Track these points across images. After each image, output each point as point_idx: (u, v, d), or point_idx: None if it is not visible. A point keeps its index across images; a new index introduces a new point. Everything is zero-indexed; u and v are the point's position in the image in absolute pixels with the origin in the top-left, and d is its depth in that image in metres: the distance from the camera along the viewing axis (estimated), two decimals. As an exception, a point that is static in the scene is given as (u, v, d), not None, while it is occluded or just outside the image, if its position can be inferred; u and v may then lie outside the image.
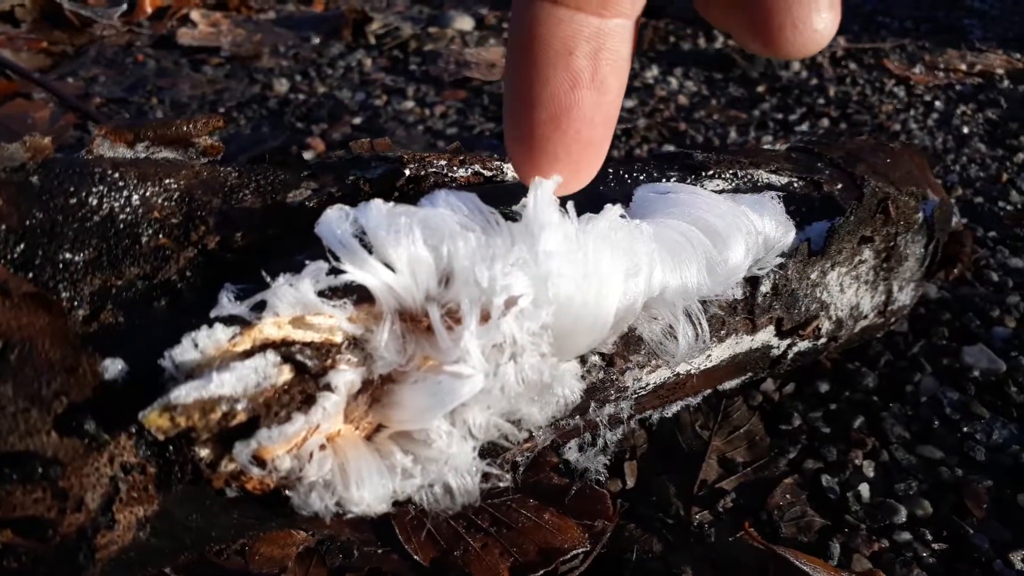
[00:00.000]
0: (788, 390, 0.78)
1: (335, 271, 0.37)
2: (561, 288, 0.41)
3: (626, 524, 0.64)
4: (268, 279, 0.37)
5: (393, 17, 1.83)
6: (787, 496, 0.67)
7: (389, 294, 0.39)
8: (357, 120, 1.39)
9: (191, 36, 1.74)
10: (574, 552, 0.61)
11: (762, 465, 0.70)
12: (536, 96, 0.38)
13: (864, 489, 0.68)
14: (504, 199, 0.51)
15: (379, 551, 0.60)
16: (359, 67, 1.61)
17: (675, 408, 0.63)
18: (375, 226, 0.38)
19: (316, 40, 1.75)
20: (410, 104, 1.45)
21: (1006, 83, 1.45)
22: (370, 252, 0.38)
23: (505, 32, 1.74)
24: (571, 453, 0.57)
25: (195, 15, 1.81)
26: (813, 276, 0.63)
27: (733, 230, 0.51)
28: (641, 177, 0.60)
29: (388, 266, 0.38)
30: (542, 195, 0.41)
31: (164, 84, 1.55)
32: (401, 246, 0.38)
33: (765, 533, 0.64)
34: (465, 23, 1.79)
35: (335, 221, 0.38)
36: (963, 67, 1.51)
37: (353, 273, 0.37)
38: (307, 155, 1.27)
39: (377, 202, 0.39)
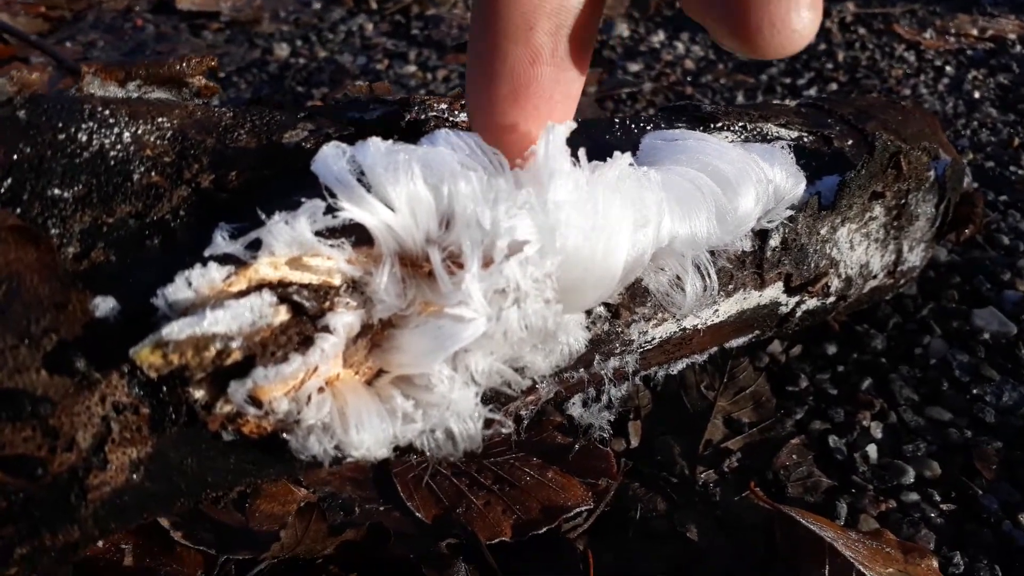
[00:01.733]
0: (795, 352, 0.77)
1: (332, 210, 0.36)
2: (569, 239, 0.40)
3: (630, 483, 0.63)
4: (263, 217, 0.36)
5: (395, -18, 1.80)
6: (794, 456, 0.66)
7: (388, 234, 0.37)
8: (358, 84, 1.37)
9: (190, 1, 1.71)
10: (577, 510, 0.60)
11: (768, 426, 0.69)
12: (496, 70, 0.37)
13: (872, 450, 0.67)
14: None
15: (381, 508, 0.60)
16: (360, 31, 1.59)
17: (681, 365, 0.62)
18: (373, 163, 0.37)
19: (317, 5, 1.72)
20: (412, 68, 1.43)
21: (1018, 48, 1.43)
22: (368, 191, 0.37)
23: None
24: (575, 408, 0.56)
25: (194, -21, 1.78)
26: (823, 231, 0.61)
27: (743, 177, 0.50)
28: (648, 127, 0.59)
29: (387, 205, 0.37)
30: (554, 141, 0.40)
31: (163, 49, 1.52)
32: (400, 184, 0.37)
33: (771, 493, 0.63)
34: (468, -12, 1.76)
35: (332, 158, 0.37)
36: (974, 32, 1.49)
37: (351, 211, 0.36)
38: (308, 119, 1.25)
39: (375, 140, 0.38)
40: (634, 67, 1.38)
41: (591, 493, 0.62)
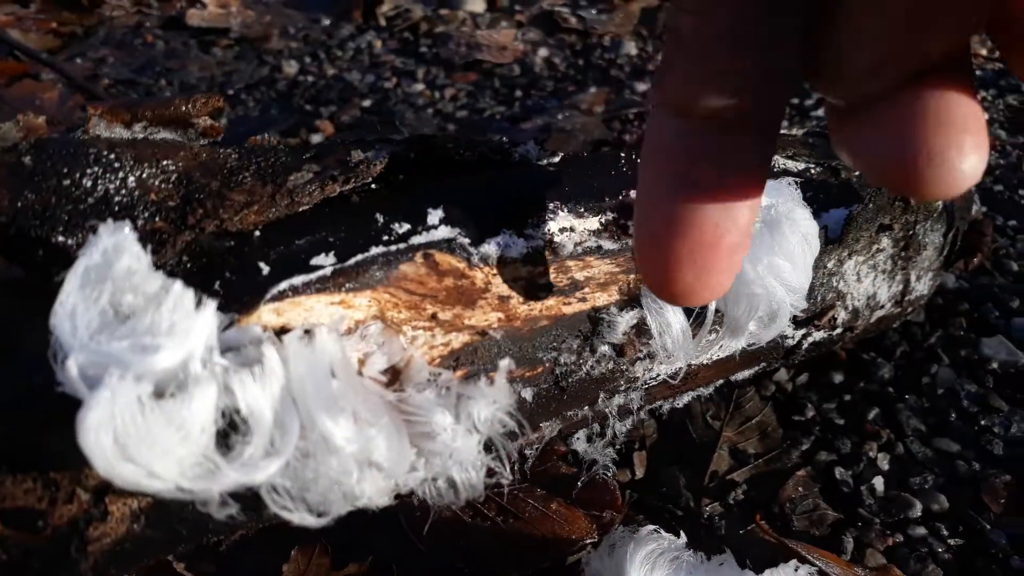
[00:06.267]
0: (801, 380, 0.77)
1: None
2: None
3: (635, 515, 0.63)
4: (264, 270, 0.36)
5: (404, -2, 1.81)
6: (799, 489, 0.66)
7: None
8: (367, 103, 1.38)
9: (200, 17, 1.72)
10: (582, 543, 0.60)
11: (774, 457, 0.69)
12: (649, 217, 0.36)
13: (878, 482, 0.66)
14: (513, 187, 0.49)
15: (383, 538, 0.60)
16: (369, 49, 1.60)
17: (686, 398, 0.61)
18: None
19: (326, 22, 1.73)
20: (420, 87, 1.43)
21: (1028, 68, 1.42)
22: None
23: (517, 13, 1.72)
24: (579, 444, 0.56)
25: (204, -4, 1.79)
26: (830, 265, 0.61)
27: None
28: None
29: None
30: None
31: (173, 66, 1.53)
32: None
33: (776, 526, 0.63)
34: (476, 5, 1.77)
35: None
36: (983, 52, 1.48)
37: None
38: (316, 138, 1.26)
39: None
40: (642, 87, 1.38)
41: (595, 526, 0.61)
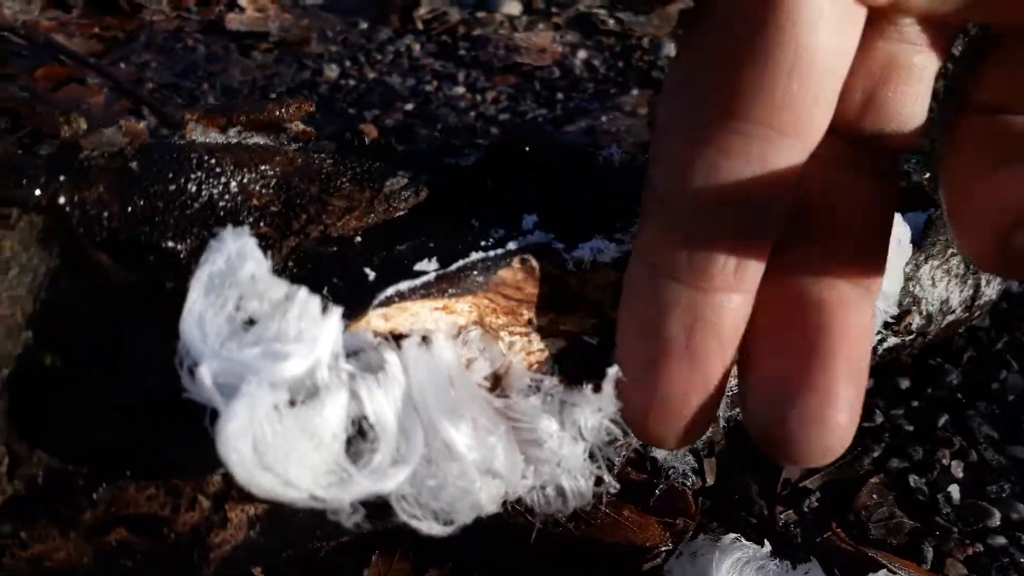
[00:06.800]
0: (867, 386, 0.76)
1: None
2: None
3: (709, 523, 0.62)
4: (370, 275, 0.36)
5: (440, 2, 1.81)
6: (874, 496, 0.65)
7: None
8: (409, 106, 1.38)
9: (239, 21, 1.73)
10: (656, 550, 0.59)
11: (846, 464, 0.68)
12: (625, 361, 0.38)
13: (954, 490, 0.65)
14: (600, 191, 0.49)
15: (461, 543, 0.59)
16: (408, 52, 1.60)
17: (763, 404, 0.61)
18: None
19: (364, 25, 1.74)
20: (461, 90, 1.43)
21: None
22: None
23: (553, 15, 1.72)
24: (659, 451, 0.56)
25: (242, 0, 1.80)
26: (907, 270, 0.60)
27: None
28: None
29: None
30: None
31: (215, 69, 1.54)
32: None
33: (853, 534, 0.62)
34: (513, 7, 1.76)
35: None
36: None
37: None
38: (360, 141, 1.26)
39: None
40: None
41: (669, 533, 0.61)
